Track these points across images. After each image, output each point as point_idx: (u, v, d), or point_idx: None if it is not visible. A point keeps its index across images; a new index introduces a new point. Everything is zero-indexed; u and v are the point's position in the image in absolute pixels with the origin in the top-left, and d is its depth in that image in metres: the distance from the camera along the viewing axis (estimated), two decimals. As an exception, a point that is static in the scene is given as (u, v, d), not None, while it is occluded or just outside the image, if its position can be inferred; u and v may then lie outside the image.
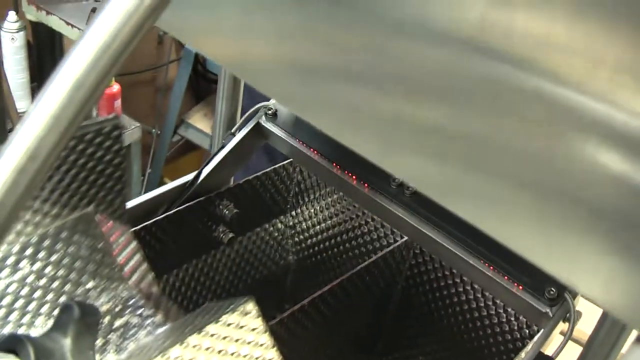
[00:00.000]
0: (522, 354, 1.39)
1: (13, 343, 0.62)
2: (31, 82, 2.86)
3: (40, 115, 0.50)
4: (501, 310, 1.70)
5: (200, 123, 3.81)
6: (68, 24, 2.64)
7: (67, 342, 0.65)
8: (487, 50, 0.54)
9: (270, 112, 1.68)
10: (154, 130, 3.66)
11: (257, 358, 1.24)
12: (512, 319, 1.68)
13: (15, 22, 2.67)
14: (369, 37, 0.60)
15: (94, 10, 2.66)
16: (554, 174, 0.55)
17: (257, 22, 0.67)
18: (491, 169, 0.58)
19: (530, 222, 0.57)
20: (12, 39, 2.66)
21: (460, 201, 0.61)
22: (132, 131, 2.89)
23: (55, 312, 1.30)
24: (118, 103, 2.85)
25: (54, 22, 2.70)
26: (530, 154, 0.55)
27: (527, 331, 1.66)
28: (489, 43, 0.53)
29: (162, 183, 3.82)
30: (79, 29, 2.60)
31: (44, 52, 2.88)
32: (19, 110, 2.68)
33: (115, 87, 2.81)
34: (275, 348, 1.26)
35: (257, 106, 1.70)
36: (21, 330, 1.30)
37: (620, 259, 0.53)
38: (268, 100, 1.69)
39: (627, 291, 0.54)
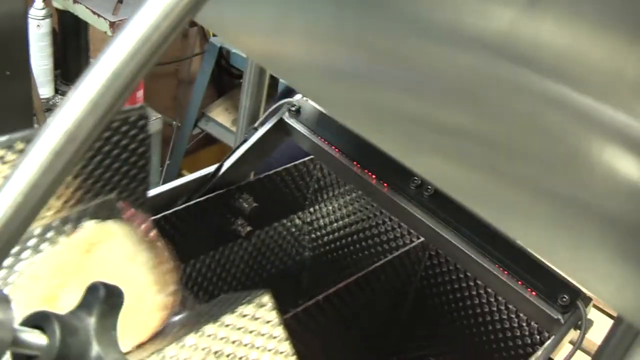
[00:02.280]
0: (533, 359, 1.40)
1: (39, 319, 0.63)
2: (54, 69, 2.87)
3: (80, 100, 0.52)
4: (513, 315, 1.70)
5: (221, 117, 3.83)
6: (94, 13, 2.66)
7: (91, 321, 0.67)
8: (513, 57, 0.55)
9: (293, 108, 1.69)
10: (174, 122, 3.68)
11: (270, 350, 1.25)
12: (524, 324, 1.69)
13: (42, 9, 2.69)
14: (398, 39, 0.61)
15: (120, 0, 2.68)
16: (576, 180, 0.56)
17: (291, 20, 0.69)
18: (511, 172, 0.59)
19: (548, 225, 0.58)
20: (38, 25, 2.68)
21: (480, 202, 0.62)
22: (153, 122, 2.91)
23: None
24: (140, 94, 2.87)
25: (81, 11, 2.71)
26: (550, 161, 0.57)
27: (538, 337, 1.67)
28: (515, 50, 0.55)
29: (180, 175, 3.83)
30: (105, 18, 2.61)
31: (69, 41, 2.89)
32: (41, 96, 2.70)
33: (139, 78, 2.83)
34: (288, 341, 1.27)
35: (280, 102, 1.71)
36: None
37: (634, 264, 0.54)
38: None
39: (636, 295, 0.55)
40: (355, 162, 1.62)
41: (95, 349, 0.66)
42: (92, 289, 0.68)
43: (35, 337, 0.62)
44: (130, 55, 0.52)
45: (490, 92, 0.57)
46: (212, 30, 0.93)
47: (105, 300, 0.68)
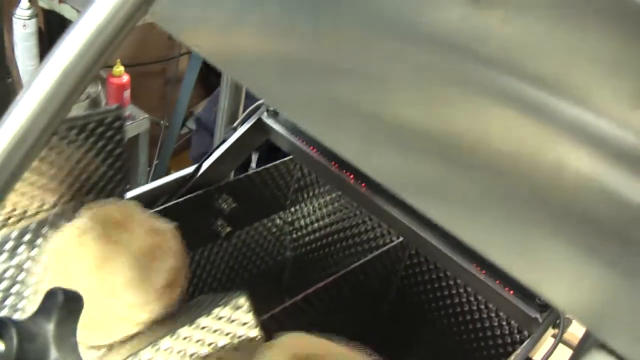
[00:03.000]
0: (512, 359, 1.41)
1: (-3, 325, 0.64)
2: (42, 68, 2.87)
3: (29, 102, 0.52)
4: (493, 314, 1.71)
5: (208, 116, 3.83)
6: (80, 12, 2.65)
7: (50, 328, 0.67)
8: (463, 50, 0.55)
9: (272, 108, 1.70)
10: (162, 122, 3.67)
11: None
12: (504, 323, 1.69)
13: (28, 9, 2.67)
14: (349, 35, 0.62)
15: (106, -1, 2.67)
16: (524, 177, 0.56)
17: (241, 16, 0.69)
18: (461, 170, 0.59)
19: (496, 225, 0.59)
20: (24, 25, 2.67)
21: (432, 202, 0.63)
22: (141, 122, 2.90)
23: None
24: (127, 93, 2.86)
25: (67, 11, 2.71)
26: (500, 157, 0.57)
27: (517, 336, 1.67)
28: (465, 43, 0.55)
29: (168, 174, 3.82)
30: (90, 18, 2.61)
31: (55, 40, 2.86)
32: (27, 96, 2.69)
33: (125, 78, 2.83)
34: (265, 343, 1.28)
35: (259, 102, 1.72)
36: (17, 315, 1.32)
37: (581, 265, 0.55)
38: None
39: (587, 296, 0.55)
40: (333, 162, 1.62)
41: (53, 355, 0.66)
42: (51, 295, 0.68)
43: (-7, 344, 0.62)
44: (79, 55, 0.52)
45: (440, 87, 0.58)
46: (163, 28, 0.92)
47: (64, 305, 0.68)
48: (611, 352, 0.55)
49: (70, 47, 0.52)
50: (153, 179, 3.58)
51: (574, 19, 0.50)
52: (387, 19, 0.59)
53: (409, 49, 0.58)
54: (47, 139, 0.54)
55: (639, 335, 0.54)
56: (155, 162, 3.69)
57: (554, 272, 0.58)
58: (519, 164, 0.56)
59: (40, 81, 0.52)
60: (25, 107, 0.52)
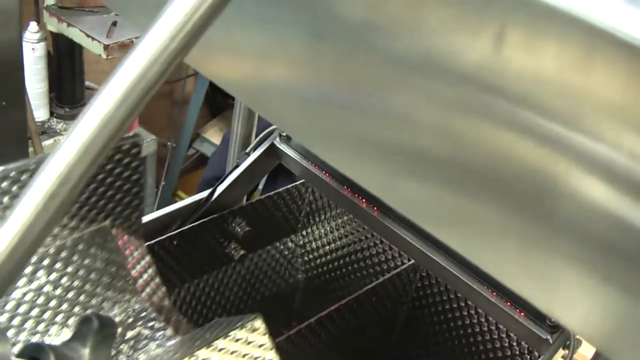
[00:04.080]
0: (523, 379, 1.43)
1: (36, 351, 0.66)
2: (49, 92, 2.90)
3: (72, 145, 0.55)
4: (504, 335, 1.72)
5: (215, 137, 3.86)
6: (88, 36, 2.68)
7: (85, 352, 0.69)
8: (484, 86, 0.58)
9: (284, 133, 1.72)
10: (169, 143, 3.70)
11: (263, 373, 1.27)
12: (514, 344, 1.71)
13: (36, 32, 2.71)
14: (373, 72, 0.64)
15: (114, 23, 2.71)
16: (542, 207, 0.58)
17: (266, 52, 0.72)
18: (479, 200, 0.61)
19: (513, 252, 0.61)
20: (33, 49, 2.70)
21: (450, 231, 0.65)
22: (148, 144, 2.93)
23: (70, 321, 1.34)
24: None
25: (75, 34, 2.73)
26: (518, 187, 0.59)
27: (528, 357, 1.69)
28: (486, 80, 0.58)
29: (175, 195, 3.86)
30: (99, 41, 2.63)
31: (64, 63, 2.91)
32: (36, 119, 2.72)
33: (133, 100, 2.85)
34: (280, 364, 1.29)
35: (271, 127, 1.74)
36: (35, 339, 1.34)
37: (597, 290, 0.57)
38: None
39: (603, 321, 0.58)
40: (345, 186, 1.64)
41: (89, 379, 0.68)
42: (86, 321, 0.71)
43: (32, 369, 0.65)
44: (120, 101, 0.55)
45: (462, 122, 0.60)
46: (193, 66, 0.95)
47: (98, 331, 0.70)
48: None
49: (111, 96, 0.55)
50: (160, 200, 3.62)
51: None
52: (413, 57, 0.61)
53: (433, 86, 0.61)
54: (86, 182, 0.56)
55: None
56: (162, 183, 3.72)
57: (566, 295, 0.60)
58: (539, 195, 0.58)
59: (81, 128, 0.55)
60: (68, 151, 0.55)
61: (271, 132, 1.74)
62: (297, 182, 1.93)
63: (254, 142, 1.78)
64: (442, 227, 0.65)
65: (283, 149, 1.72)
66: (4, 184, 1.28)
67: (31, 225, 0.55)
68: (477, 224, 0.63)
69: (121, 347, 1.39)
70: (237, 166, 1.74)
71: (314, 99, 0.70)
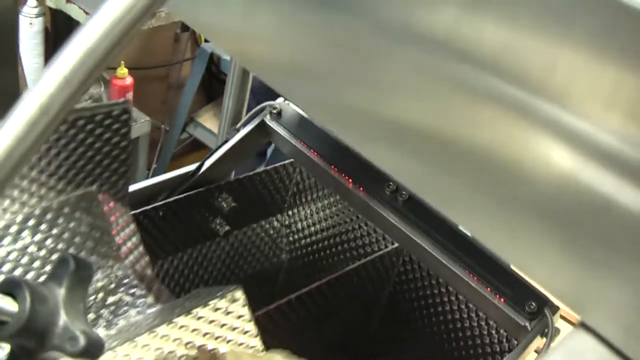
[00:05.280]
0: (500, 366, 1.44)
1: (11, 286, 0.66)
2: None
3: (54, 76, 0.55)
4: (483, 322, 1.74)
5: (209, 122, 3.86)
6: (87, 13, 2.68)
7: (61, 292, 0.69)
8: (457, 52, 0.59)
9: (275, 111, 1.72)
10: (163, 126, 3.71)
11: (241, 344, 1.28)
12: (494, 331, 1.72)
13: (35, 7, 2.70)
14: (353, 36, 0.65)
15: (114, 1, 2.70)
16: (513, 170, 0.59)
17: (261, 17, 0.73)
18: (455, 165, 0.63)
19: (488, 211, 0.62)
20: (31, 23, 2.69)
21: (428, 191, 0.66)
22: (141, 125, 2.93)
23: (52, 283, 1.35)
24: (130, 95, 2.89)
25: (74, 11, 2.73)
26: (490, 153, 0.60)
27: (507, 344, 1.70)
28: (459, 46, 0.59)
29: (166, 179, 3.85)
30: (97, 19, 2.63)
31: (61, 40, 2.88)
32: (31, 93, 2.71)
33: (128, 80, 2.86)
34: (258, 337, 1.30)
35: (262, 104, 1.75)
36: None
37: (564, 248, 0.58)
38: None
39: (570, 277, 0.59)
40: (332, 166, 1.65)
41: (62, 318, 0.68)
42: (63, 261, 0.71)
43: (6, 304, 0.65)
44: (102, 36, 0.55)
45: (435, 87, 0.61)
46: (189, 24, 0.96)
47: (75, 272, 0.71)
48: (591, 331, 0.58)
49: (94, 30, 0.55)
50: (151, 182, 3.62)
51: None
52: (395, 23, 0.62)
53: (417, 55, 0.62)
54: (65, 114, 0.57)
55: (620, 317, 0.58)
56: (154, 165, 3.72)
57: (533, 249, 0.61)
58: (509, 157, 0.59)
59: (64, 59, 0.56)
60: (50, 82, 0.55)
61: (262, 110, 1.75)
62: (286, 162, 1.94)
63: (244, 118, 1.78)
64: (419, 184, 0.67)
65: (273, 127, 1.73)
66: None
67: (9, 154, 0.56)
68: (452, 184, 0.64)
69: (102, 311, 1.40)
70: (226, 141, 1.75)
71: (302, 61, 0.71)
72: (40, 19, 2.74)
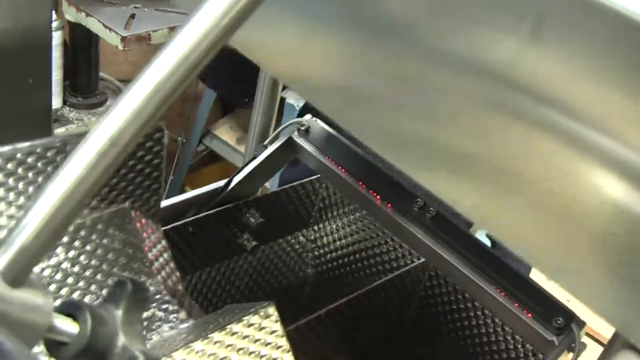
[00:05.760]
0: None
1: (71, 308, 0.68)
2: (64, 80, 2.92)
3: (125, 109, 0.57)
4: (509, 337, 1.74)
5: (225, 135, 3.87)
6: (106, 27, 2.69)
7: (118, 314, 0.71)
8: (514, 85, 0.60)
9: (302, 128, 1.74)
10: (179, 138, 3.73)
11: (274, 359, 1.30)
12: (519, 346, 1.72)
13: (55, 20, 2.71)
14: (411, 66, 0.67)
15: (132, 16, 2.73)
16: (567, 198, 0.61)
17: (314, 44, 0.74)
18: (510, 191, 0.64)
19: (542, 235, 0.63)
20: (50, 37, 2.71)
21: (481, 216, 0.68)
22: (158, 137, 2.95)
23: (86, 299, 1.37)
24: (147, 109, 2.90)
25: (93, 25, 2.75)
26: (544, 181, 0.62)
27: (533, 359, 1.70)
28: (516, 78, 0.60)
29: (183, 191, 3.87)
30: (116, 33, 2.64)
31: (80, 53, 2.92)
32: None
33: (149, 93, 2.87)
34: (290, 352, 1.32)
35: (290, 122, 1.76)
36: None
37: (621, 279, 0.59)
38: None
39: (619, 301, 0.60)
40: (360, 182, 1.66)
41: (121, 339, 0.70)
42: (120, 284, 0.73)
43: (68, 325, 0.67)
44: (171, 72, 0.57)
45: (492, 117, 0.63)
46: (240, 50, 0.98)
47: (131, 294, 0.72)
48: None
49: (163, 66, 0.57)
50: (167, 194, 3.64)
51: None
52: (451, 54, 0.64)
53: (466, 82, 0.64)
54: (133, 145, 0.59)
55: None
56: (170, 177, 3.74)
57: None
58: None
59: (134, 94, 0.58)
60: (120, 115, 0.57)
61: (289, 126, 1.76)
62: (312, 177, 1.96)
63: (272, 135, 1.80)
64: (472, 211, 0.68)
65: (300, 143, 1.74)
66: (30, 159, 1.30)
67: (80, 182, 0.58)
68: (504, 208, 0.66)
69: (135, 327, 1.41)
70: (254, 158, 1.77)
71: (354, 86, 0.73)
72: (60, 32, 2.76)
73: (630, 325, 0.61)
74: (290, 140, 1.75)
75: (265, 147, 1.77)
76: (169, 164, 3.63)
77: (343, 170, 1.69)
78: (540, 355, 1.62)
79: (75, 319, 0.68)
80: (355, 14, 0.70)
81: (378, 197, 1.65)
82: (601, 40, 0.55)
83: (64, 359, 0.67)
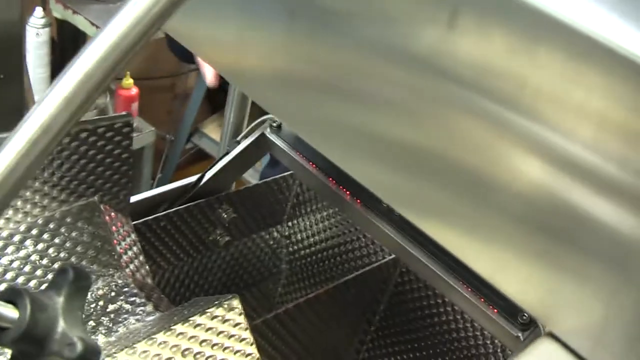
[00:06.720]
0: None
1: (12, 294, 0.69)
2: (51, 77, 2.93)
3: (55, 97, 0.59)
4: (479, 333, 1.76)
5: (214, 133, 3.89)
6: (93, 24, 2.71)
7: (60, 300, 0.72)
8: (437, 70, 0.62)
9: (275, 124, 1.75)
10: (168, 136, 3.74)
11: (237, 352, 1.31)
12: (489, 342, 1.74)
13: (42, 17, 2.73)
14: (340, 55, 0.68)
15: (119, 14, 2.73)
16: (488, 183, 0.62)
17: (251, 36, 0.76)
18: (434, 176, 0.66)
19: (463, 225, 0.65)
20: (37, 34, 2.72)
21: (405, 204, 0.69)
22: (147, 134, 2.96)
23: (54, 291, 1.38)
24: (135, 106, 2.92)
25: (80, 22, 2.76)
26: (465, 164, 0.63)
27: (501, 355, 1.72)
28: (438, 63, 0.62)
29: (170, 188, 3.87)
30: (103, 30, 2.66)
31: (67, 50, 2.94)
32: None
33: (134, 90, 2.89)
34: (254, 345, 1.33)
35: (263, 117, 1.77)
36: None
37: (535, 263, 0.61)
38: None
39: (539, 291, 0.62)
40: (330, 178, 1.67)
41: (61, 325, 0.71)
42: (62, 271, 0.74)
43: (8, 311, 0.68)
44: (101, 60, 0.59)
45: (417, 101, 0.64)
46: (181, 42, 0.99)
47: (73, 282, 0.74)
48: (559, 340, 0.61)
49: (93, 54, 0.59)
50: (155, 192, 3.64)
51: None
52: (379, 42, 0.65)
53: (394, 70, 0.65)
54: (65, 134, 0.60)
55: (588, 328, 0.61)
56: (158, 175, 3.75)
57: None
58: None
59: (65, 82, 0.59)
60: (51, 103, 0.59)
61: (262, 122, 1.77)
62: (285, 174, 1.97)
63: (244, 131, 1.81)
64: (395, 197, 0.70)
65: (273, 139, 1.75)
66: None
67: (12, 170, 0.59)
68: (428, 196, 0.67)
69: (102, 319, 1.43)
70: (227, 153, 1.78)
71: (287, 76, 0.75)
72: (47, 29, 2.77)
73: (548, 313, 0.63)
74: (262, 136, 1.76)
75: (239, 142, 1.78)
76: (157, 162, 3.64)
77: (314, 166, 1.70)
78: (509, 351, 1.63)
79: (15, 305, 0.69)
80: (290, 6, 0.71)
81: (348, 193, 1.66)
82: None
83: (4, 343, 0.69)
